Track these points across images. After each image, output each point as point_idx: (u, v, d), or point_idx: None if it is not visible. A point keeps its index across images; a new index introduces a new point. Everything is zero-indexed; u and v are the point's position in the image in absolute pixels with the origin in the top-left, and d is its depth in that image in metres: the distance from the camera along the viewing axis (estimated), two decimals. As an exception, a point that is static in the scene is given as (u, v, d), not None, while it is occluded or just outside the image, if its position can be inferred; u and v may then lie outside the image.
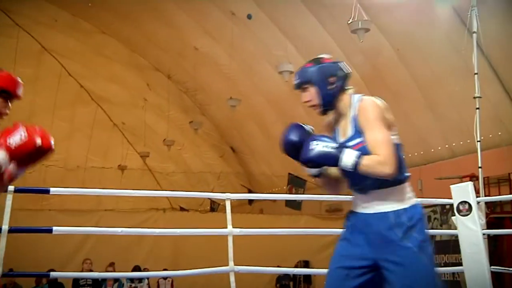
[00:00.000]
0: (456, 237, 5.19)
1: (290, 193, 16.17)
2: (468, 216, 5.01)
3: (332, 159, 2.64)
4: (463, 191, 5.14)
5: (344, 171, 2.73)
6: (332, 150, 2.65)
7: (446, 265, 10.91)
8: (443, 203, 8.89)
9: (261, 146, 18.16)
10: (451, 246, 10.01)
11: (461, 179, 10.33)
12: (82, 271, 9.96)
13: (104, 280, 10.67)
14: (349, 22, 10.72)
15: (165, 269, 10.53)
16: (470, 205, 5.02)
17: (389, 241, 2.66)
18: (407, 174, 2.82)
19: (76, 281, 10.13)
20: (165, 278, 12.17)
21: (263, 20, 13.91)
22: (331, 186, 2.98)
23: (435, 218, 13.06)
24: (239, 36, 14.60)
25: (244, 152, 19.57)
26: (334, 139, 2.80)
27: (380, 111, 2.81)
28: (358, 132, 2.75)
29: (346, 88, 2.89)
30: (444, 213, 12.43)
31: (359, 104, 2.83)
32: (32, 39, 17.32)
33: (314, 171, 2.85)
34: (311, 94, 2.84)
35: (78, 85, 18.33)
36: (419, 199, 7.69)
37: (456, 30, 10.70)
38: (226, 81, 16.39)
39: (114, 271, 10.56)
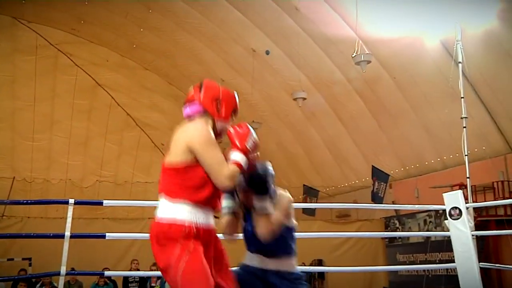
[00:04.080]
0: (448, 237, 5.13)
1: (305, 201, 16.10)
2: (459, 219, 4.95)
3: (264, 187, 2.70)
4: (454, 198, 5.09)
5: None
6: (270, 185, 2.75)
7: (440, 262, 10.76)
8: (437, 209, 8.79)
9: (280, 162, 18.11)
10: (444, 246, 9.88)
11: (452, 187, 10.22)
12: (130, 270, 9.98)
13: (149, 277, 10.67)
14: (353, 55, 10.73)
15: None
16: (460, 210, 4.97)
17: None
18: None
19: (126, 278, 10.17)
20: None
21: (279, 55, 14.00)
22: (232, 227, 2.86)
23: (430, 222, 12.90)
24: (258, 69, 14.69)
25: (265, 167, 19.57)
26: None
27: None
28: None
29: None
30: (438, 217, 12.29)
31: (283, 196, 2.92)
32: (88, 76, 17.60)
33: (227, 209, 2.78)
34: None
35: (125, 113, 18.53)
36: (417, 206, 7.54)
37: (444, 60, 10.67)
38: (249, 107, 16.45)
39: (157, 270, 10.58)
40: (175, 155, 2.49)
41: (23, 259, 11.11)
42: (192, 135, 2.47)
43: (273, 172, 2.78)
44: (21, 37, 16.18)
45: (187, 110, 2.66)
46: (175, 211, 2.45)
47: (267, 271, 2.82)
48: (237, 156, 2.52)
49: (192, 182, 2.45)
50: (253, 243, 2.85)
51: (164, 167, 2.55)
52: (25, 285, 9.64)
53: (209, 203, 2.50)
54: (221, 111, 2.66)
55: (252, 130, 2.63)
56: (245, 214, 2.87)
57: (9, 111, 16.53)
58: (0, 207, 12.64)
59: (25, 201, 6.09)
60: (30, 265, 11.02)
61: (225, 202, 2.78)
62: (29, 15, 15.80)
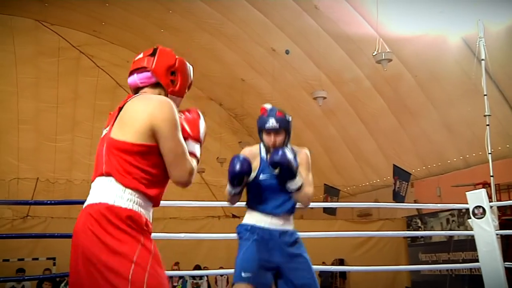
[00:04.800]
0: (472, 237, 5.06)
1: (326, 201, 16.06)
2: (483, 218, 4.89)
3: (292, 171, 2.84)
4: (477, 197, 5.03)
5: (268, 190, 2.98)
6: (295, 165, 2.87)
7: (464, 261, 10.64)
8: (460, 208, 8.68)
9: (300, 161, 18.11)
10: (468, 245, 9.77)
11: (475, 186, 10.07)
12: (152, 269, 10.05)
13: (170, 277, 10.75)
14: (374, 54, 10.66)
15: (221, 267, 10.55)
16: (484, 209, 4.91)
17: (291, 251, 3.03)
18: None
19: (147, 278, 10.24)
20: (221, 275, 12.18)
21: (299, 54, 13.97)
22: (234, 201, 3.10)
23: (453, 221, 12.76)
24: (279, 68, 14.68)
25: (285, 166, 19.51)
26: (263, 166, 3.03)
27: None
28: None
29: None
30: (461, 216, 12.14)
31: (300, 151, 3.09)
32: (109, 77, 17.80)
33: (236, 190, 2.99)
34: (281, 138, 3.01)
35: (146, 114, 18.70)
36: (439, 205, 7.48)
37: (466, 58, 10.54)
38: (269, 107, 16.48)
39: (179, 269, 10.63)
40: (133, 133, 2.01)
41: (48, 258, 11.29)
42: (159, 114, 2.01)
43: (289, 150, 2.90)
44: (44, 40, 16.44)
45: (135, 79, 2.25)
46: (129, 201, 1.98)
47: (286, 232, 3.00)
48: (194, 148, 2.16)
49: (151, 172, 2.02)
50: (274, 200, 2.99)
51: (114, 143, 2.04)
52: (50, 284, 9.80)
53: (158, 201, 2.11)
54: (176, 84, 2.26)
55: (202, 117, 2.30)
56: (262, 166, 3.02)
57: (33, 113, 16.82)
58: (24, 207, 12.86)
59: (48, 202, 6.17)
60: (54, 264, 11.19)
61: (231, 188, 2.97)
62: (52, 17, 16.04)
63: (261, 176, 3.00)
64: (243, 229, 3.05)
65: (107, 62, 17.47)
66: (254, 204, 3.06)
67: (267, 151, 3.06)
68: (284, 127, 3.01)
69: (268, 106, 3.11)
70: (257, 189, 3.01)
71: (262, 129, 3.03)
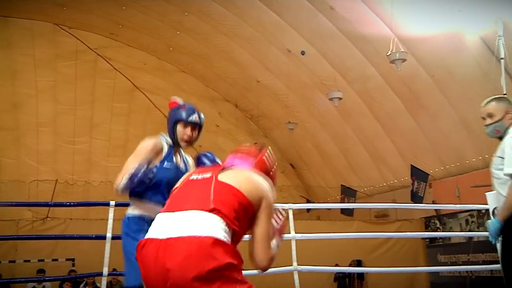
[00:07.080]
0: (492, 238, 4.98)
1: (343, 202, 15.97)
2: (503, 219, 4.81)
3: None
4: (497, 197, 4.94)
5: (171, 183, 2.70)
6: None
7: (484, 263, 10.50)
8: (479, 208, 8.57)
9: (316, 162, 18.06)
10: (488, 246, 9.63)
11: (495, 186, 9.93)
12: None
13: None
14: (388, 53, 10.58)
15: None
16: (504, 210, 4.82)
17: None
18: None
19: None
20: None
21: (315, 55, 13.92)
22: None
23: (472, 221, 12.61)
24: (294, 69, 14.65)
25: (302, 167, 19.50)
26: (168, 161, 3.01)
27: None
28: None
29: None
30: (481, 217, 12.00)
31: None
32: (126, 80, 17.92)
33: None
34: (197, 135, 3.07)
35: (163, 116, 18.78)
36: (458, 205, 7.35)
37: (485, 57, 10.40)
38: (285, 108, 16.45)
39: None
40: (250, 193, 2.15)
41: (67, 259, 11.40)
42: (269, 194, 2.20)
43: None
44: (62, 43, 16.62)
45: (237, 162, 2.37)
46: (228, 240, 2.05)
47: None
48: (279, 242, 2.38)
49: (244, 226, 2.15)
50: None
51: (227, 187, 2.15)
52: (71, 284, 9.91)
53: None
54: None
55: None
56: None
57: (51, 115, 17.01)
58: (44, 209, 13.00)
59: (68, 203, 6.24)
60: (73, 265, 11.30)
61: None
62: (70, 21, 16.21)
63: (166, 164, 2.95)
64: (136, 220, 2.88)
65: (124, 65, 17.60)
66: (149, 195, 2.91)
67: (175, 143, 3.02)
68: (202, 125, 3.07)
69: (179, 99, 3.09)
70: (157, 182, 2.89)
71: (181, 120, 2.99)
